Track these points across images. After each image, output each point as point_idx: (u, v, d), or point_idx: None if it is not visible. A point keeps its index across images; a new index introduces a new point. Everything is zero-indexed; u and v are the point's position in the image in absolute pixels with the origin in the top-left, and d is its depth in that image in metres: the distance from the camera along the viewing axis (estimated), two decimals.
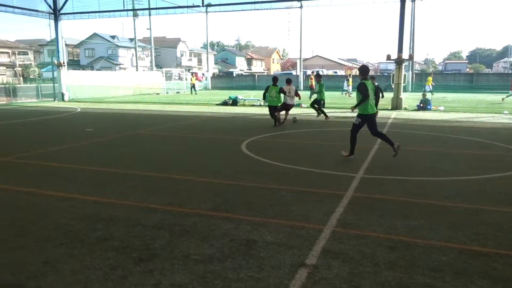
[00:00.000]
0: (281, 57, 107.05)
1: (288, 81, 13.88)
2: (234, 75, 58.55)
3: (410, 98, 25.03)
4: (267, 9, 26.71)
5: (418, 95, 24.66)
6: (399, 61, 20.26)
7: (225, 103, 23.08)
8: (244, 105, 22.97)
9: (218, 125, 14.27)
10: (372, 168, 7.37)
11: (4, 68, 63.32)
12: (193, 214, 4.84)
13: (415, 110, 19.72)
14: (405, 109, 20.09)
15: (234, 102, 22.80)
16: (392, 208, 5.13)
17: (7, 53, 66.37)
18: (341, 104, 22.47)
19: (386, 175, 6.86)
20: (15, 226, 4.48)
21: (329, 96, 25.48)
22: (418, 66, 79.56)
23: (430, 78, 31.97)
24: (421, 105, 20.03)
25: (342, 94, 33.15)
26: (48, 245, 3.97)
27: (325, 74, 52.58)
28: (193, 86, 36.36)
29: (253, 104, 22.91)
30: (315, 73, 21.16)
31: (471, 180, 6.66)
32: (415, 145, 9.98)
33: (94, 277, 3.35)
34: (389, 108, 20.11)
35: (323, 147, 9.79)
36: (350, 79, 32.70)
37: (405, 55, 21.00)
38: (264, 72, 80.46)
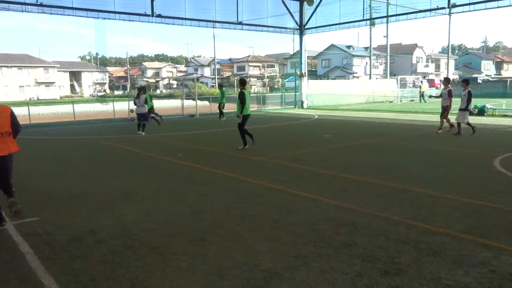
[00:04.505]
0: None
1: None
2: (479, 81, 51.87)
3: None
4: None
5: None
6: None
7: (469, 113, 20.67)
8: (493, 115, 20.07)
9: (460, 137, 12.90)
10: None
11: (256, 79, 74.00)
12: (440, 234, 4.45)
13: None
14: None
15: (481, 112, 20.19)
16: None
17: (258, 66, 77.49)
18: None
19: None
20: (270, 220, 5.06)
21: None
22: None
23: None
24: None
25: None
26: (298, 241, 4.32)
27: None
28: (421, 95, 34.34)
29: (505, 114, 19.80)
30: None
31: None
32: None
33: (341, 280, 3.44)
34: None
35: None
36: None
37: None
38: None
